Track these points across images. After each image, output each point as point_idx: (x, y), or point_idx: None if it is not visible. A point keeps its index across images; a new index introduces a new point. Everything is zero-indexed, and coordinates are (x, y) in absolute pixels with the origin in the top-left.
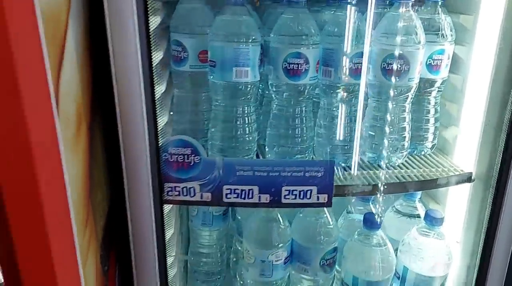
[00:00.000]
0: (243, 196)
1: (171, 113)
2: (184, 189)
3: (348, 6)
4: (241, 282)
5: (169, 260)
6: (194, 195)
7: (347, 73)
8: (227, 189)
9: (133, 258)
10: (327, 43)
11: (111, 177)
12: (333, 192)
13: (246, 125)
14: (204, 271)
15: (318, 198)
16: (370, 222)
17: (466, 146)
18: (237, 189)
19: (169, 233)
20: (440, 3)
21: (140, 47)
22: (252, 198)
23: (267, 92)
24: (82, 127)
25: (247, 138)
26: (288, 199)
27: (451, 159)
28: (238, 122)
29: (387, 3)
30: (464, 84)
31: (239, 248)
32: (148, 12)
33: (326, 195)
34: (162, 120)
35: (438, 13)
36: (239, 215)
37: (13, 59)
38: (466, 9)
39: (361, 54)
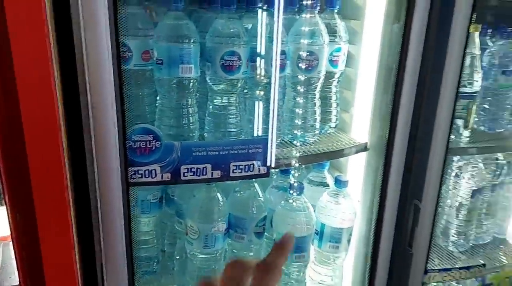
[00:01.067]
0: (198, 174)
1: None
2: (147, 171)
3: (263, 12)
4: (179, 258)
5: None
6: (156, 176)
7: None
8: (184, 168)
9: (101, 230)
10: (253, 43)
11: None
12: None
13: (190, 115)
14: (144, 257)
15: (259, 170)
16: (299, 188)
17: (360, 124)
18: (193, 168)
19: None
20: (336, 10)
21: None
22: (206, 174)
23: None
24: None
25: (191, 127)
26: (236, 173)
27: (350, 135)
28: (183, 113)
29: (296, 10)
30: (356, 75)
31: (178, 228)
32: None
33: (265, 167)
34: None
35: (335, 19)
36: (179, 199)
37: None
38: (355, 15)
39: (282, 52)
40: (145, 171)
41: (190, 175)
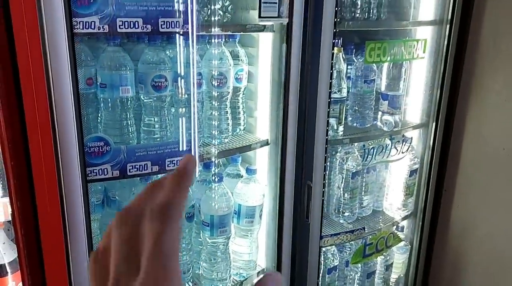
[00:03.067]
0: (141, 169)
1: None
2: (100, 170)
3: (181, 43)
4: None
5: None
6: (107, 173)
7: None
8: (130, 166)
9: (67, 221)
10: (176, 68)
11: None
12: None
13: (129, 125)
14: None
15: None
16: (219, 177)
17: (262, 126)
18: (137, 165)
19: None
20: (237, 40)
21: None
22: (147, 169)
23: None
24: None
25: (130, 135)
26: (170, 166)
27: (255, 135)
28: (123, 124)
29: (207, 41)
30: (257, 88)
31: None
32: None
33: None
34: None
35: (237, 47)
36: (120, 198)
37: None
38: (252, 44)
39: (199, 74)
40: (99, 169)
41: (135, 171)
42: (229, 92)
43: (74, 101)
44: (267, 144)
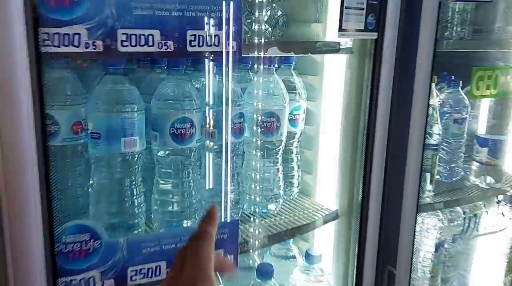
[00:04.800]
0: (150, 275)
1: None
2: (82, 281)
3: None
4: None
5: None
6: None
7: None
8: (132, 270)
9: None
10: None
11: None
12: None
13: (135, 196)
14: None
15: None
16: (264, 272)
17: (326, 187)
18: (143, 268)
19: None
20: (292, 66)
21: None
22: (160, 275)
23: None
24: None
25: (136, 211)
26: None
27: (314, 200)
28: (126, 195)
29: (248, 67)
30: (318, 133)
31: None
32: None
33: (232, 255)
34: None
35: (292, 75)
36: None
37: None
38: (313, 71)
39: (240, 115)
40: (80, 280)
41: (140, 278)
42: (282, 141)
43: (38, 164)
44: (336, 216)
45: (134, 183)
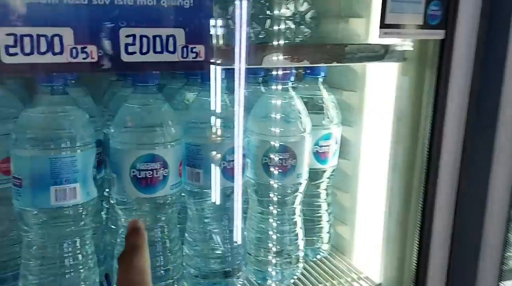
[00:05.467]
0: None
1: None
2: None
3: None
4: None
5: None
6: None
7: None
8: None
9: None
10: (191, 137)
11: None
12: None
13: (81, 267)
14: None
15: None
16: None
17: (366, 244)
18: None
19: None
20: (320, 79)
21: None
22: None
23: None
24: None
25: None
26: None
27: (350, 260)
28: (65, 266)
29: (260, 80)
30: (357, 170)
31: None
32: None
33: None
34: None
35: (320, 91)
36: None
37: None
38: (350, 85)
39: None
40: None
41: None
42: (299, 185)
43: None
44: None
45: (77, 246)
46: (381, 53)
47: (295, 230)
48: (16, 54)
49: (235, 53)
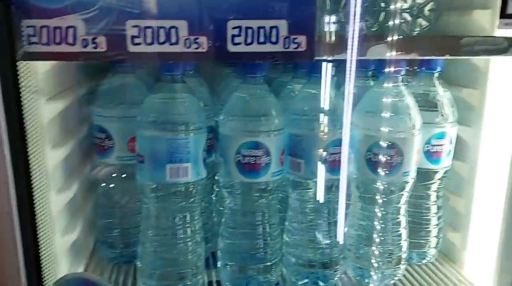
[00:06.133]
0: None
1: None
2: None
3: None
4: None
5: None
6: None
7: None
8: None
9: None
10: (295, 128)
11: None
12: None
13: (189, 239)
14: None
15: None
16: None
17: (480, 254)
18: None
19: None
20: (436, 74)
21: None
22: None
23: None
24: None
25: (190, 258)
26: None
27: (460, 270)
28: (176, 237)
29: (369, 74)
30: (473, 174)
31: None
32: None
33: None
34: (67, 239)
35: (435, 87)
36: None
37: None
38: (469, 82)
39: (339, 142)
40: None
41: None
42: (406, 184)
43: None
44: None
45: (187, 221)
46: (504, 47)
47: (399, 230)
48: (139, 44)
49: (344, 45)
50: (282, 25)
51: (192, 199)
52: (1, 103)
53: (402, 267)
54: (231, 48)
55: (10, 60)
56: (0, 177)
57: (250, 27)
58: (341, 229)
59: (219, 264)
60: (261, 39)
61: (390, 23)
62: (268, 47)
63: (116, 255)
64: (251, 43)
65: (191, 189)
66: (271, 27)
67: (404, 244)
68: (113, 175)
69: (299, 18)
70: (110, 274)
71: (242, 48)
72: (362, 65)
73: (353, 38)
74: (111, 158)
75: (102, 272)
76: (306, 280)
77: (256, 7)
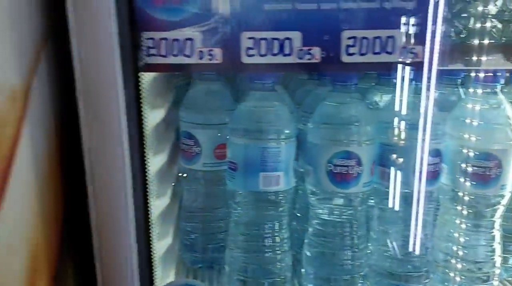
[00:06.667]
0: None
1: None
2: None
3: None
4: None
5: None
6: None
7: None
8: None
9: None
10: (385, 137)
11: None
12: None
13: (277, 248)
14: None
15: None
16: None
17: None
18: None
19: None
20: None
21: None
22: None
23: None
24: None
25: (277, 265)
26: None
27: None
28: (265, 245)
29: (459, 82)
30: None
31: None
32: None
33: None
34: (163, 244)
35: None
36: None
37: None
38: None
39: (435, 152)
40: None
41: None
42: (502, 197)
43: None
44: None
45: (276, 229)
46: None
47: (492, 245)
48: (253, 55)
49: (458, 54)
50: (398, 35)
51: (281, 208)
52: (124, 113)
53: (495, 283)
54: (345, 59)
55: (133, 72)
56: (120, 185)
57: (366, 37)
58: (417, 242)
59: (303, 271)
60: (377, 49)
61: (479, 28)
62: (383, 58)
63: (197, 258)
64: (365, 54)
65: (281, 197)
66: (388, 37)
67: (498, 260)
68: (200, 181)
69: (416, 28)
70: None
71: (356, 59)
72: (450, 73)
73: (431, 45)
74: (198, 164)
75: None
76: None
77: (372, 17)
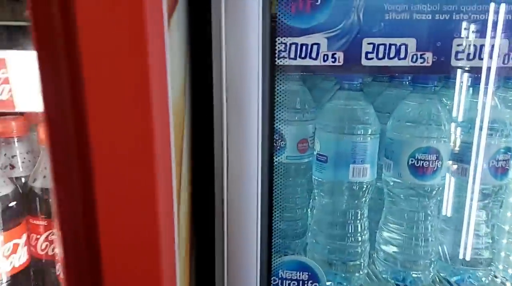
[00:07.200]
0: None
1: None
2: None
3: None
4: None
5: None
6: None
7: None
8: None
9: None
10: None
11: None
12: None
13: (359, 234)
14: None
15: None
16: None
17: None
18: None
19: None
20: None
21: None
22: None
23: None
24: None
25: (358, 251)
26: None
27: None
28: (348, 230)
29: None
30: None
31: None
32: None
33: None
34: None
35: None
36: None
37: None
38: None
39: (507, 149)
40: None
41: None
42: None
43: (263, 181)
44: None
45: (359, 217)
46: None
47: None
48: (372, 59)
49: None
50: (504, 42)
51: (363, 199)
52: (260, 112)
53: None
54: (454, 63)
55: (271, 75)
56: (252, 174)
57: (474, 45)
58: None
59: (375, 255)
60: (483, 55)
61: None
62: (487, 62)
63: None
64: (473, 59)
65: (364, 188)
66: (492, 45)
67: None
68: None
69: None
70: None
71: (464, 63)
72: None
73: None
74: (282, 156)
75: None
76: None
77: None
